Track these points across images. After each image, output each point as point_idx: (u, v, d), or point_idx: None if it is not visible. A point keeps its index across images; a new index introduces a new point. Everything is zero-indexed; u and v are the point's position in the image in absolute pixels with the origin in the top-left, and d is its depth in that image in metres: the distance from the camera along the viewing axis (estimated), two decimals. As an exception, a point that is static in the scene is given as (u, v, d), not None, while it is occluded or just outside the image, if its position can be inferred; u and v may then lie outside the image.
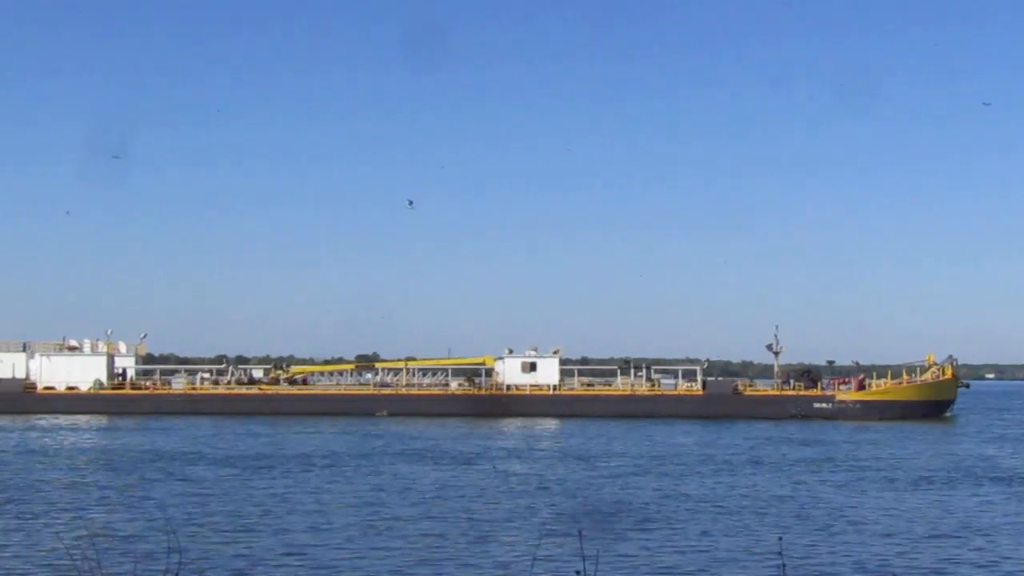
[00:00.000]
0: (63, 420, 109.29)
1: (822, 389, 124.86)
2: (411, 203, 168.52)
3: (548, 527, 42.27)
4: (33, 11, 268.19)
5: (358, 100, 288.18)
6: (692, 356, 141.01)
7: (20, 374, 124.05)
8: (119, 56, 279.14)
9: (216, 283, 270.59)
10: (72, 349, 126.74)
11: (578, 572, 17.05)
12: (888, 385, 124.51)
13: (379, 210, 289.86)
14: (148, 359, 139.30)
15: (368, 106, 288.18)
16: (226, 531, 40.76)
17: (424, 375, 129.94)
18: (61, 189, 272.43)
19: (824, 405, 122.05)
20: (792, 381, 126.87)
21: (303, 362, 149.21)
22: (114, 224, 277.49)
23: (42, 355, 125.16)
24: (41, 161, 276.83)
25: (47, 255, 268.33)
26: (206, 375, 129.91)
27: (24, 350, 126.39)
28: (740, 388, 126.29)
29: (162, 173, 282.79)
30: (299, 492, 52.37)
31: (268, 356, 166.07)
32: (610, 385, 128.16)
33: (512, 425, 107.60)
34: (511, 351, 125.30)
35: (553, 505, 48.78)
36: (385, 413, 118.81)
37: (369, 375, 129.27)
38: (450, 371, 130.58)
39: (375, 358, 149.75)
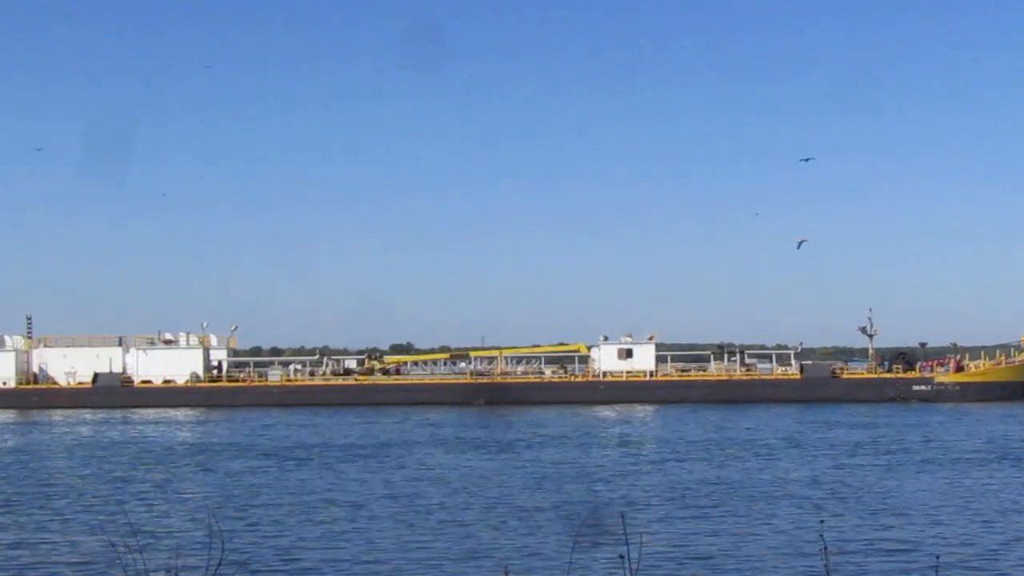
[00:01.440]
0: (161, 413, 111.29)
1: (919, 371, 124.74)
2: None
3: (597, 511, 43.67)
4: (32, 9, 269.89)
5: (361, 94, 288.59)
6: (778, 340, 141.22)
7: (116, 368, 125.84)
8: (118, 54, 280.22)
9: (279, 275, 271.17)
10: (168, 343, 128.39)
11: (622, 556, 17.38)
12: (987, 366, 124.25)
13: (459, 199, 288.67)
14: (236, 352, 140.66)
15: (370, 99, 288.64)
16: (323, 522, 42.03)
17: (518, 363, 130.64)
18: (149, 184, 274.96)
19: (923, 387, 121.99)
20: (890, 364, 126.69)
21: (338, 352, 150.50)
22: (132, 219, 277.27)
23: (138, 349, 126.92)
24: (114, 153, 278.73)
25: (137, 249, 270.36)
26: (299, 367, 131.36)
27: (120, 344, 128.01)
28: (838, 371, 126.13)
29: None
30: (425, 482, 53.26)
31: (303, 347, 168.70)
32: (704, 371, 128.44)
33: (609, 412, 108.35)
34: (606, 338, 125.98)
35: (635, 486, 50.59)
36: (482, 402, 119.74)
37: (462, 364, 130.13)
38: (543, 359, 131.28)
39: (409, 348, 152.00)
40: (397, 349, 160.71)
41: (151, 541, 37.52)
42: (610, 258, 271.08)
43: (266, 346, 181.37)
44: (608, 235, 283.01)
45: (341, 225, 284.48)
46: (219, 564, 19.06)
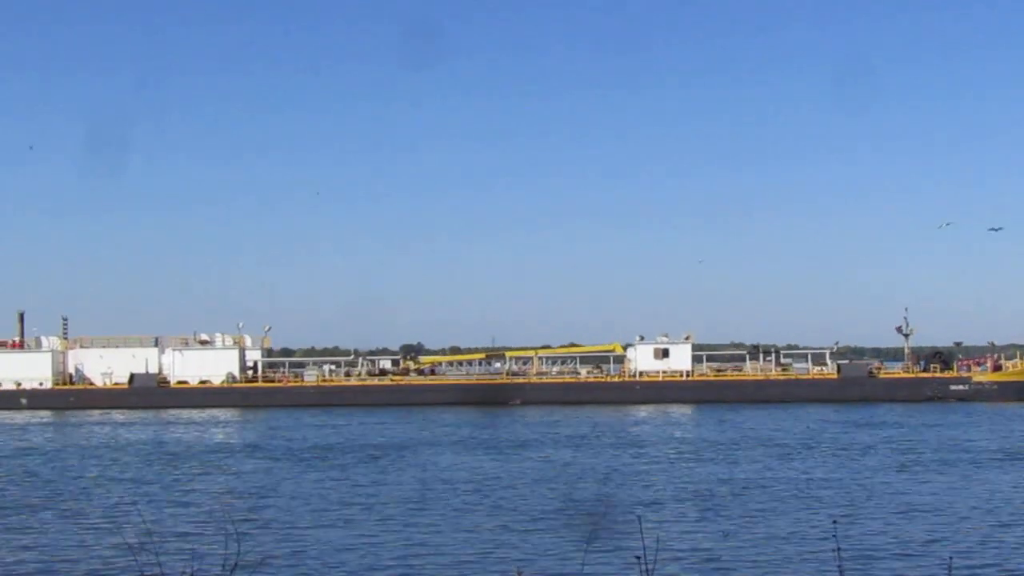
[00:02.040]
0: (199, 414, 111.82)
1: (957, 371, 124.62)
2: None
3: (613, 512, 43.97)
4: (30, 8, 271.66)
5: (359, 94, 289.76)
6: (811, 341, 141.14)
7: (152, 369, 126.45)
8: (117, 52, 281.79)
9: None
10: (203, 343, 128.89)
11: (638, 557, 17.52)
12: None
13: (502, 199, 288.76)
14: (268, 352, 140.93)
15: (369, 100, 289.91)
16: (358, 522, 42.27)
17: (553, 364, 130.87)
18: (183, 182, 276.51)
19: (961, 387, 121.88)
20: (926, 363, 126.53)
21: (343, 353, 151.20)
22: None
23: (174, 350, 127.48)
24: (149, 155, 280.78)
25: (165, 249, 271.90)
26: (333, 367, 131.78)
27: (156, 345, 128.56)
28: (875, 371, 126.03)
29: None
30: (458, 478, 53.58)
31: (313, 348, 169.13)
32: (740, 371, 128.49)
33: (645, 412, 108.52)
34: (642, 338, 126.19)
35: (650, 486, 51.16)
36: (519, 402, 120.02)
37: (498, 364, 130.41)
38: (578, 359, 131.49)
39: (419, 348, 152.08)
40: (407, 350, 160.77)
41: (169, 542, 38.06)
42: (645, 258, 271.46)
43: (275, 347, 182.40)
44: (637, 234, 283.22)
45: (345, 225, 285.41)
46: (235, 566, 19.30)
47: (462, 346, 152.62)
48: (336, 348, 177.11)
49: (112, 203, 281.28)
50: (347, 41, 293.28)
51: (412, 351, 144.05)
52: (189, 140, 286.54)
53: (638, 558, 17.37)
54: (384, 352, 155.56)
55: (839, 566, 22.26)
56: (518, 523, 42.31)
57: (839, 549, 31.33)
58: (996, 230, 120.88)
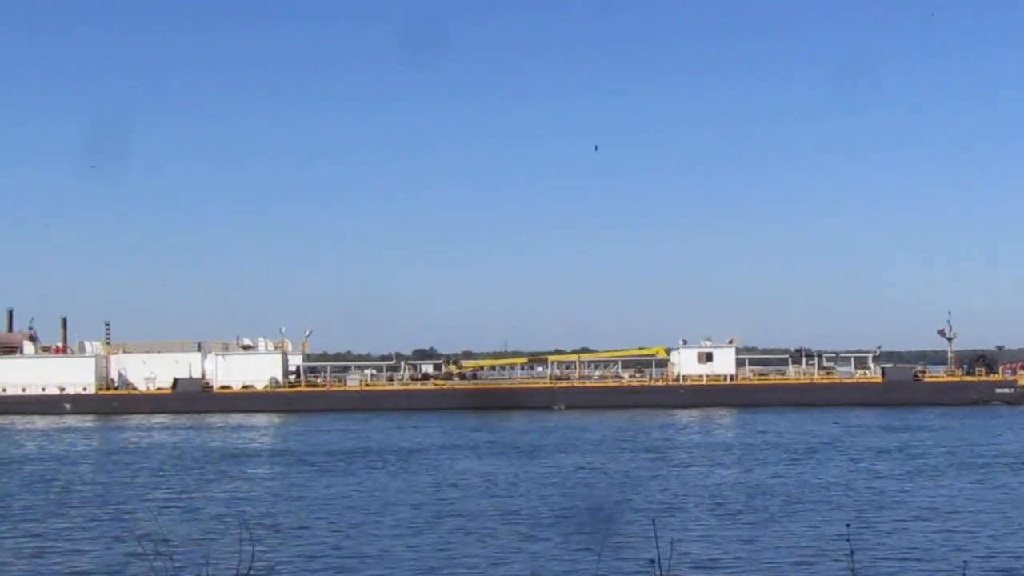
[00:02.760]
0: (243, 419, 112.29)
1: (1001, 374, 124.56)
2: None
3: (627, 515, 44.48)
4: (29, 12, 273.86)
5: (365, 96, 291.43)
6: (849, 344, 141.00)
7: (196, 374, 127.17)
8: (116, 56, 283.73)
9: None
10: (246, 348, 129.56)
11: (652, 561, 17.75)
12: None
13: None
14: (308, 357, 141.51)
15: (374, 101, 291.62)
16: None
17: (595, 368, 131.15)
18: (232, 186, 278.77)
19: (1006, 390, 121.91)
20: (970, 366, 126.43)
21: (355, 358, 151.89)
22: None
23: (217, 354, 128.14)
24: (186, 160, 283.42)
25: (214, 254, 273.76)
26: (374, 371, 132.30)
27: (198, 350, 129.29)
28: (919, 375, 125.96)
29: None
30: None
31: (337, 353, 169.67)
32: (782, 374, 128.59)
33: (689, 416, 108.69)
34: (685, 341, 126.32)
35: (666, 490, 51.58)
36: (562, 406, 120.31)
37: (540, 368, 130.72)
38: (620, 363, 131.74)
39: (432, 353, 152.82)
40: (419, 354, 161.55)
41: (182, 547, 38.61)
42: (682, 261, 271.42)
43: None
44: (668, 238, 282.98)
45: (353, 228, 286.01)
46: (249, 570, 19.70)
47: (474, 350, 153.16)
48: (348, 353, 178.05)
49: (146, 208, 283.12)
50: (351, 44, 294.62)
51: (425, 355, 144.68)
52: (201, 144, 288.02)
53: (652, 562, 17.68)
54: (396, 356, 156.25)
55: (852, 569, 22.54)
56: (532, 527, 42.73)
57: (852, 552, 31.78)
58: None
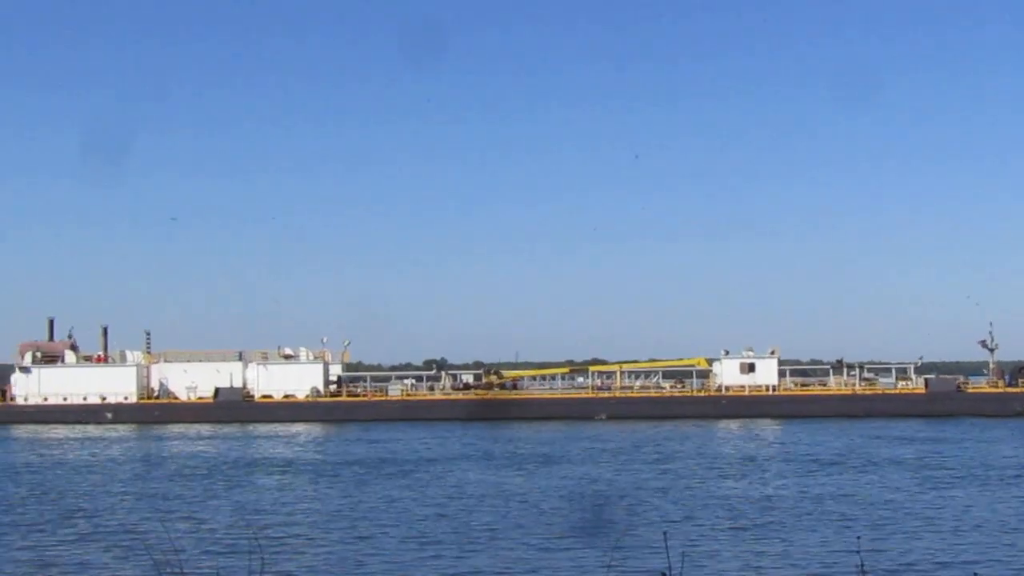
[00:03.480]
0: (285, 428, 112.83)
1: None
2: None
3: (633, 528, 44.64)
4: (29, 20, 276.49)
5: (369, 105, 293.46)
6: (884, 356, 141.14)
7: (237, 383, 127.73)
8: (116, 64, 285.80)
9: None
10: (287, 357, 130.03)
11: (664, 573, 17.91)
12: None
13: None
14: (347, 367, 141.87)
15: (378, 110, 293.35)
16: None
17: (636, 378, 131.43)
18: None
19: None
20: (1011, 377, 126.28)
21: (368, 368, 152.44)
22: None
23: (258, 364, 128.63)
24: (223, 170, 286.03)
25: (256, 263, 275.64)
26: (413, 381, 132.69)
27: (239, 359, 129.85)
28: (962, 386, 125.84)
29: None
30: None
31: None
32: (824, 385, 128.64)
33: (732, 427, 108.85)
34: (727, 352, 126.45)
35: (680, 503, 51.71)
36: (604, 417, 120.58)
37: (581, 379, 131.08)
38: (660, 373, 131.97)
39: (443, 363, 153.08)
40: (430, 364, 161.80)
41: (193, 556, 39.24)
42: (720, 272, 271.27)
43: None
44: (698, 249, 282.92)
45: (362, 237, 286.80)
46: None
47: (485, 360, 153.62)
48: (359, 363, 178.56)
49: (186, 215, 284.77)
50: (358, 50, 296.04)
51: (436, 365, 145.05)
52: (228, 152, 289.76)
53: (663, 574, 17.88)
54: (407, 367, 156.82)
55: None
56: (542, 539, 43.04)
57: (862, 565, 32.03)
58: None
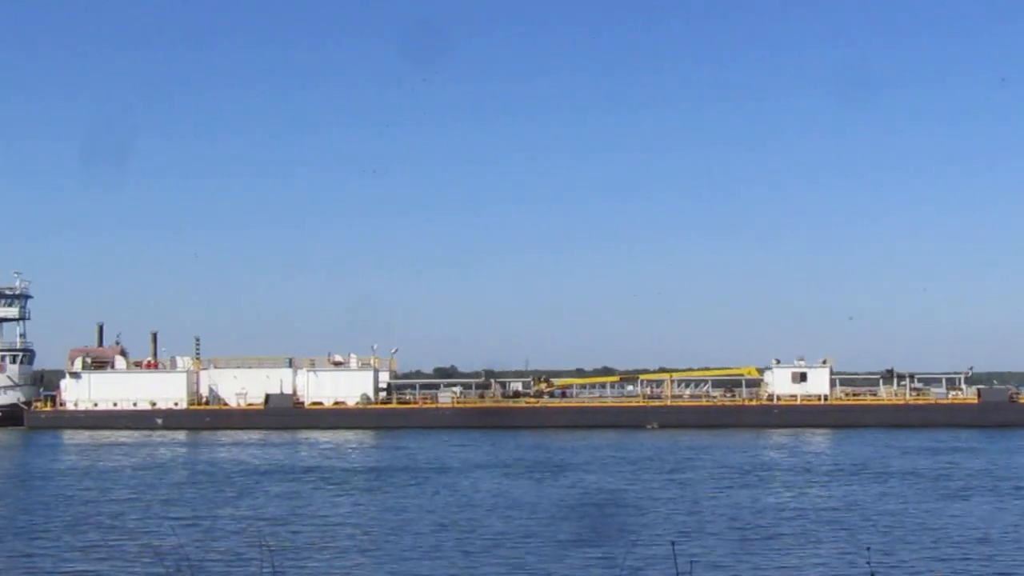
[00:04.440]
0: (336, 435, 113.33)
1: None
2: None
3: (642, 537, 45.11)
4: (28, 26, 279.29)
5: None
6: (930, 366, 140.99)
7: (287, 390, 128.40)
8: (116, 70, 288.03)
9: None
10: (337, 364, 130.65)
11: None
12: None
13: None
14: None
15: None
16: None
17: (686, 387, 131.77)
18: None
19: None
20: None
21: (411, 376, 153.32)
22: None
23: (308, 371, 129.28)
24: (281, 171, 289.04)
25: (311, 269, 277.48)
26: (462, 388, 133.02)
27: (289, 365, 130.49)
28: (1015, 396, 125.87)
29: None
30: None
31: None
32: (874, 395, 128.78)
33: (783, 436, 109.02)
34: (779, 361, 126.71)
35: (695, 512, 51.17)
36: (655, 425, 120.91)
37: (630, 387, 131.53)
38: (710, 382, 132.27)
39: (452, 371, 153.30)
40: (441, 372, 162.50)
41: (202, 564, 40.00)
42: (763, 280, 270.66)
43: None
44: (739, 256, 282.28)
45: (371, 243, 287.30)
46: None
47: (496, 368, 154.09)
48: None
49: (232, 222, 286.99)
50: (350, 56, 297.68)
51: (445, 374, 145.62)
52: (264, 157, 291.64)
53: None
54: (417, 375, 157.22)
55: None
56: (549, 547, 43.59)
57: (873, 574, 32.48)
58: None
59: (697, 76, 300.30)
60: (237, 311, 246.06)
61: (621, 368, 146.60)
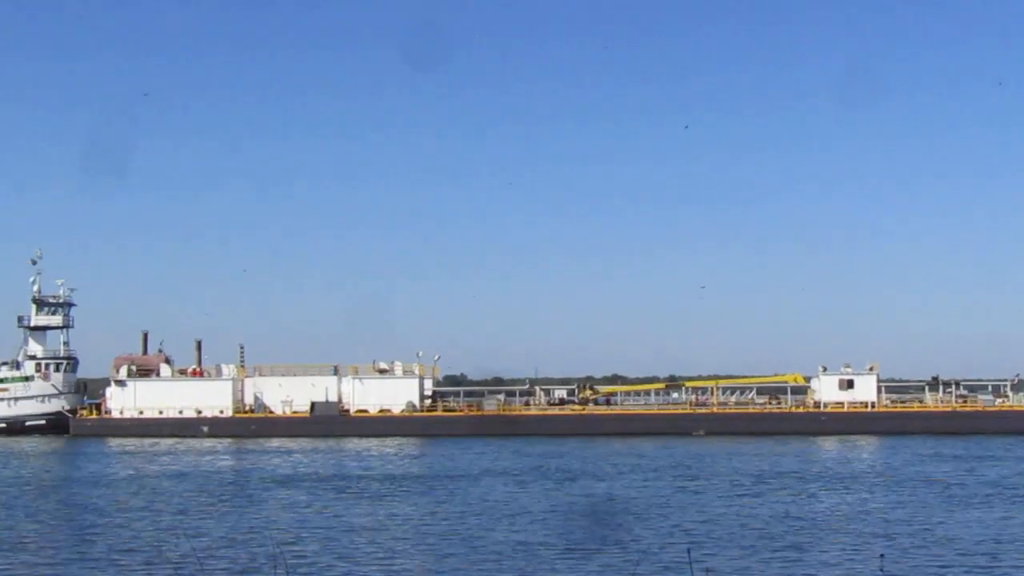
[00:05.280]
0: (383, 443, 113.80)
1: None
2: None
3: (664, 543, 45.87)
4: (28, 29, 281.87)
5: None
6: (974, 372, 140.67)
7: (332, 397, 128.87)
8: (115, 75, 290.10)
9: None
10: (382, 372, 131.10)
11: None
12: None
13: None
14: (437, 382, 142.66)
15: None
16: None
17: (731, 394, 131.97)
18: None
19: None
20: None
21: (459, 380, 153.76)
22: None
23: (353, 378, 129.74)
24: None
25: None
26: (506, 395, 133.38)
27: (334, 373, 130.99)
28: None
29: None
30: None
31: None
32: (920, 402, 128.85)
33: (831, 444, 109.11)
34: (825, 368, 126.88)
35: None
36: (703, 432, 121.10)
37: (675, 394, 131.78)
38: (755, 389, 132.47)
39: (463, 379, 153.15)
40: (450, 380, 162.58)
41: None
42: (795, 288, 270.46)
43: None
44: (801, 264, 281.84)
45: (371, 250, 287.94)
46: None
47: (504, 376, 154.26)
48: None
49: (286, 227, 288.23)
50: (354, 62, 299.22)
51: (455, 382, 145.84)
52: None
53: None
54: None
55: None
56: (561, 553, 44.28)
57: None
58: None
59: (721, 82, 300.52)
60: (277, 320, 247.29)
61: (631, 376, 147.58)
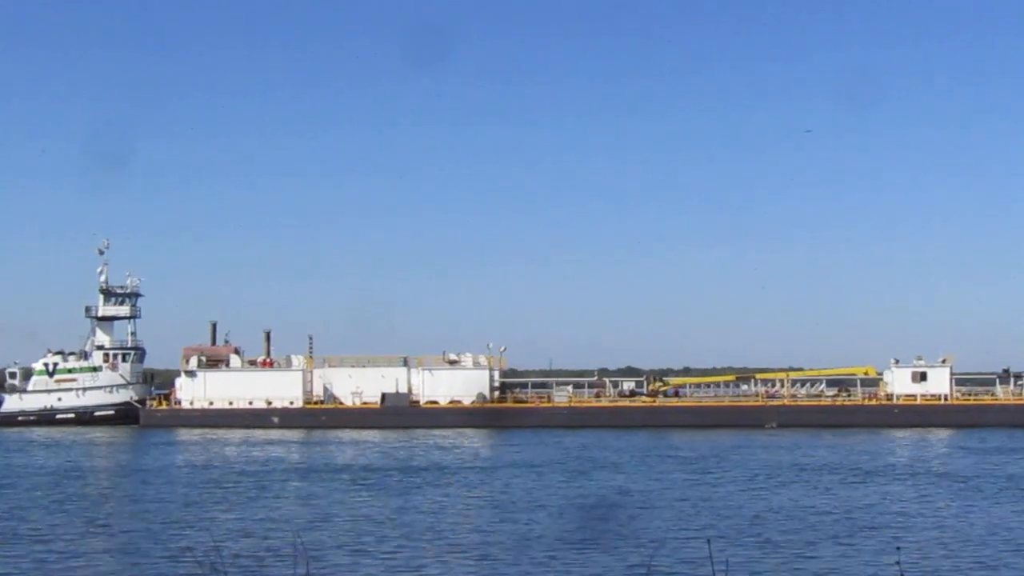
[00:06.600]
0: (451, 434, 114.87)
1: None
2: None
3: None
4: (28, 30, 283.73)
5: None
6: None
7: (402, 389, 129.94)
8: (115, 74, 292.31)
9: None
10: (452, 363, 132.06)
11: None
12: None
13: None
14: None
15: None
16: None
17: (801, 386, 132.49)
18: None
19: None
20: None
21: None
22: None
23: (424, 369, 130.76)
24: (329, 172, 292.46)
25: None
26: (574, 387, 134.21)
27: (404, 364, 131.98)
28: None
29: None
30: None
31: None
32: (992, 395, 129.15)
33: (905, 436, 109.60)
34: (897, 361, 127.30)
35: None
36: (774, 425, 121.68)
37: (744, 386, 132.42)
38: (824, 381, 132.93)
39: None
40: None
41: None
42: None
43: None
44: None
45: (375, 246, 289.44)
46: None
47: (519, 368, 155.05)
48: None
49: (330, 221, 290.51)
50: (353, 59, 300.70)
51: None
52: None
53: None
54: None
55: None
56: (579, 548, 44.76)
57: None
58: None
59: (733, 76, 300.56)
60: (344, 310, 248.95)
61: (647, 369, 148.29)
